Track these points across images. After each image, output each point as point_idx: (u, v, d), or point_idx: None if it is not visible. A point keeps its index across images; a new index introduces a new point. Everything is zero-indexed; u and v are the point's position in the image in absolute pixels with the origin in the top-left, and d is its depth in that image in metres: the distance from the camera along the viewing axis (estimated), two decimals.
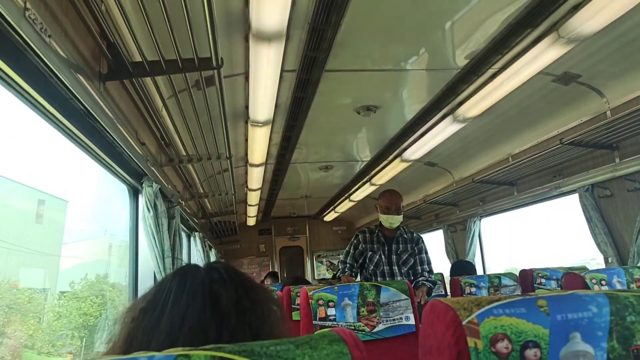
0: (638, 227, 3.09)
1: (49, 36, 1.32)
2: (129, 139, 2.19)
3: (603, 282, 2.07)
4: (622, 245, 3.37)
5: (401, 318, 1.91)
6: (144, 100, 2.51)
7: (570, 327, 0.64)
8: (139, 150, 2.38)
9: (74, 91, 1.53)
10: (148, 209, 2.70)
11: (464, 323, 0.64)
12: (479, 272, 5.30)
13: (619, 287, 2.08)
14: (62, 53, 1.44)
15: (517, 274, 3.12)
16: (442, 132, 4.19)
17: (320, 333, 0.58)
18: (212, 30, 1.77)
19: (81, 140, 1.94)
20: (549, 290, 3.05)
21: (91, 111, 1.70)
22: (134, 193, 2.93)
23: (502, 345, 0.63)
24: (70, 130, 1.82)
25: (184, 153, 3.43)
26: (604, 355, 0.63)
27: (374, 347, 1.85)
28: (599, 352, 0.63)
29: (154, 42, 1.84)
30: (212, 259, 7.37)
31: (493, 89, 3.29)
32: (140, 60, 1.96)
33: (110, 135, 1.99)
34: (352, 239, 3.49)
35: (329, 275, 10.06)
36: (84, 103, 1.63)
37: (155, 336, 0.62)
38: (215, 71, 2.13)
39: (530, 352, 0.63)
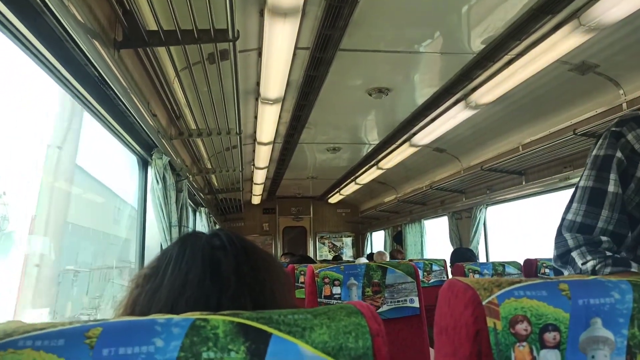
0: None
1: None
2: (141, 109, 2.18)
3: None
4: None
5: (406, 300, 1.92)
6: (157, 71, 2.49)
7: (591, 312, 0.63)
8: (150, 121, 2.37)
9: (90, 56, 1.51)
10: (157, 180, 2.70)
11: (484, 303, 0.63)
12: (482, 260, 5.31)
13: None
14: (79, 17, 1.42)
15: (522, 263, 3.12)
16: (453, 118, 4.15)
17: (337, 305, 0.58)
18: (230, 1, 1.74)
19: (94, 107, 1.94)
20: None
21: (106, 78, 1.69)
22: (144, 164, 2.93)
23: (522, 327, 0.62)
24: (84, 96, 1.81)
25: (194, 127, 3.42)
26: (624, 342, 0.62)
27: None
28: (619, 338, 0.62)
29: (171, 11, 1.82)
30: None
31: (508, 76, 3.24)
32: (156, 29, 1.93)
33: (123, 104, 1.98)
34: (599, 148, 1.33)
35: (330, 257, 10.13)
36: (98, 69, 1.62)
37: (155, 302, 0.62)
38: (231, 44, 2.11)
39: (549, 335, 0.62)
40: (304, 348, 0.51)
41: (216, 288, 0.63)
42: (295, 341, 0.52)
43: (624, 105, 3.25)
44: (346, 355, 0.53)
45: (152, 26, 1.98)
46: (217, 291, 0.63)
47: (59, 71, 1.56)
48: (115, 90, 1.81)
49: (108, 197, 3.41)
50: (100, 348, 0.47)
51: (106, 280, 3.30)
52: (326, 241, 10.73)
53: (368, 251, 10.04)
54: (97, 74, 1.67)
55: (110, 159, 3.03)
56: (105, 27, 1.80)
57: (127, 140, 2.49)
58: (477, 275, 3.01)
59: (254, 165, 6.09)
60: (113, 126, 2.23)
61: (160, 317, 0.51)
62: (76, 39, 1.39)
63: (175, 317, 0.51)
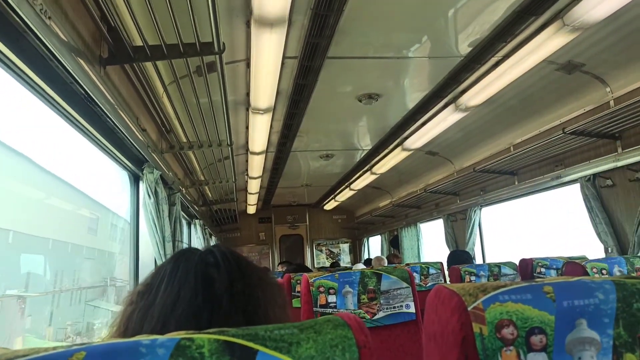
0: (639, 217, 3.08)
1: (49, 18, 1.30)
2: (130, 124, 2.18)
3: (604, 272, 2.07)
4: (623, 235, 3.37)
5: (402, 306, 1.92)
6: (144, 85, 2.49)
7: (576, 313, 0.63)
8: (139, 136, 2.37)
9: (74, 75, 1.51)
10: (149, 195, 2.69)
11: (469, 309, 0.63)
12: (479, 261, 5.31)
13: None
14: (62, 36, 1.42)
15: (517, 263, 3.12)
16: (443, 121, 4.17)
17: (324, 318, 0.58)
18: (214, 15, 1.75)
19: (82, 125, 1.93)
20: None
21: (92, 95, 1.68)
22: (135, 179, 2.93)
23: (508, 331, 0.63)
24: (70, 114, 1.80)
25: (185, 140, 3.42)
26: (609, 342, 0.63)
27: (374, 335, 1.85)
28: (604, 338, 0.63)
29: (155, 26, 1.82)
30: None
31: (496, 78, 3.26)
32: (142, 44, 1.93)
33: (111, 120, 1.98)
34: None
35: (328, 264, 10.11)
36: (84, 87, 1.62)
37: (147, 320, 0.62)
38: (217, 56, 2.11)
39: (535, 338, 0.62)
40: None
41: (207, 306, 0.63)
42: (281, 357, 0.52)
43: (611, 102, 3.29)
44: None
45: (138, 42, 1.98)
46: (208, 309, 0.63)
47: (43, 90, 1.56)
48: (103, 108, 1.80)
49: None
50: None
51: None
52: (323, 248, 10.71)
53: (365, 256, 10.02)
54: (83, 92, 1.67)
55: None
56: (90, 45, 1.80)
57: (117, 156, 2.49)
58: (473, 277, 3.01)
59: (247, 175, 6.08)
60: (102, 143, 2.22)
61: (145, 339, 0.51)
62: (60, 58, 1.39)
63: (160, 337, 0.51)
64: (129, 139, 2.24)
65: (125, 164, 2.67)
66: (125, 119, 2.10)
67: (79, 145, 2.12)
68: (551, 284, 0.65)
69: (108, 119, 1.97)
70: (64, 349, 0.49)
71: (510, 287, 0.64)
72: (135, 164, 2.74)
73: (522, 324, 0.62)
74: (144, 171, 2.75)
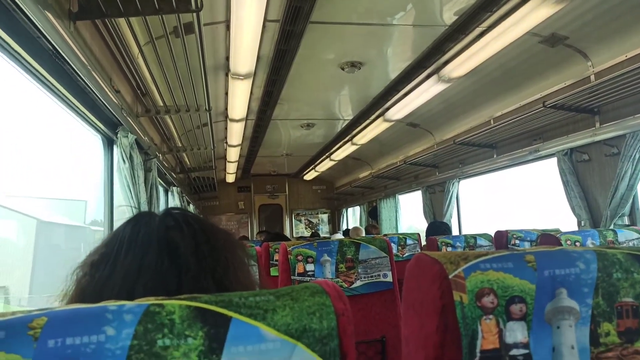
0: (612, 191, 3.15)
1: None
2: (103, 85, 2.09)
3: (577, 244, 2.12)
4: (596, 208, 3.45)
5: (379, 275, 1.93)
6: (118, 45, 2.38)
7: (557, 283, 0.63)
8: (113, 98, 2.28)
9: (42, 28, 1.42)
10: (123, 160, 2.61)
11: (450, 277, 0.62)
12: (455, 232, 5.41)
13: None
14: None
15: (493, 235, 3.18)
16: (426, 92, 4.15)
17: (302, 285, 0.56)
18: None
19: (50, 83, 1.83)
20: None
21: (61, 51, 1.59)
22: (109, 144, 2.83)
23: (488, 300, 0.62)
24: (37, 71, 1.71)
25: (162, 104, 3.32)
26: (588, 311, 0.63)
27: (351, 303, 1.86)
28: (583, 308, 0.62)
29: None
30: None
31: (480, 49, 3.23)
32: None
33: (82, 79, 1.89)
34: None
35: (307, 234, 10.19)
36: (52, 42, 1.53)
37: (107, 290, 0.58)
38: (195, 15, 2.02)
39: (515, 307, 0.62)
40: (265, 331, 0.49)
41: (175, 271, 0.60)
42: (256, 324, 0.50)
43: (592, 77, 3.30)
44: (310, 337, 0.51)
45: None
46: (176, 274, 0.60)
47: (7, 44, 1.46)
48: (73, 65, 1.71)
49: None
50: (45, 339, 0.44)
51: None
52: (302, 218, 10.76)
53: (344, 227, 10.12)
54: (51, 47, 1.57)
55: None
56: None
57: (89, 118, 2.39)
58: (449, 248, 3.06)
59: (226, 143, 5.99)
60: (72, 103, 2.13)
61: (112, 304, 0.48)
62: (25, 10, 1.30)
63: (128, 303, 0.48)
64: (101, 100, 2.15)
65: (98, 126, 2.58)
66: (98, 78, 2.01)
67: (47, 104, 2.02)
68: (533, 253, 0.64)
69: (79, 78, 1.88)
70: (24, 314, 0.46)
71: (492, 256, 0.63)
72: (109, 127, 2.65)
73: (502, 293, 0.61)
74: (118, 135, 2.66)
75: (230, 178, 9.07)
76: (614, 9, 2.80)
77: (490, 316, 0.61)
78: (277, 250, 2.95)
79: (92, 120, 2.46)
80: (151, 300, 0.48)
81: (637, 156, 2.98)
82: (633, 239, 2.12)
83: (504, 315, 0.61)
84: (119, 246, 0.62)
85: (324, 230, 10.73)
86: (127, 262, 0.60)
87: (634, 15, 2.82)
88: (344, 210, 10.51)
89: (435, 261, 0.64)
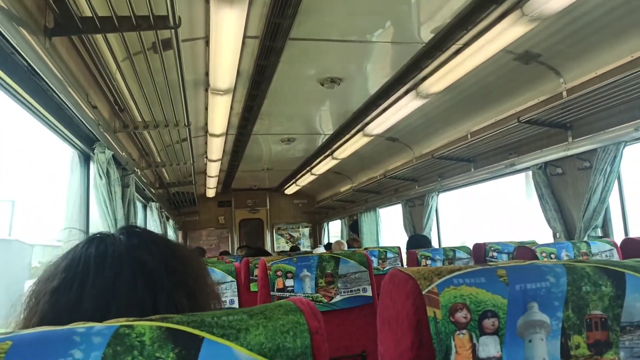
0: (585, 204, 3.23)
1: None
2: (79, 101, 2.06)
3: (552, 256, 2.16)
4: (570, 221, 3.53)
5: (359, 289, 1.93)
6: (95, 61, 2.35)
7: (528, 297, 0.64)
8: (89, 114, 2.25)
9: (15, 45, 1.40)
10: (100, 176, 2.57)
11: (424, 292, 0.63)
12: (435, 245, 5.44)
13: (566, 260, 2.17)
14: (0, 2, 1.30)
15: (471, 248, 3.21)
16: (404, 107, 4.20)
17: (276, 303, 0.56)
18: None
19: (25, 100, 1.80)
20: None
21: (35, 68, 1.57)
22: (85, 159, 2.78)
23: (461, 315, 0.62)
24: (12, 88, 1.67)
25: (140, 119, 3.28)
26: (559, 324, 0.64)
27: (331, 318, 1.86)
28: (554, 321, 0.64)
29: None
30: (170, 230, 7.24)
31: (456, 65, 3.30)
32: (91, 15, 1.82)
33: (58, 95, 1.86)
34: None
35: (288, 248, 10.12)
36: (27, 59, 1.50)
37: (78, 314, 0.54)
38: (173, 32, 2.01)
39: (488, 322, 0.63)
40: (238, 351, 0.49)
41: (149, 290, 0.59)
42: (228, 344, 0.49)
43: (564, 93, 3.40)
44: (284, 356, 0.51)
45: (87, 12, 1.86)
46: (151, 293, 0.59)
47: None
48: (48, 81, 1.69)
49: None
50: None
51: None
52: (284, 232, 10.71)
53: (325, 241, 10.09)
54: (25, 64, 1.55)
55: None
56: (33, 13, 1.67)
57: (64, 134, 2.35)
58: (429, 261, 3.08)
59: (207, 157, 5.95)
60: (48, 119, 2.09)
61: (80, 326, 0.47)
62: None
63: (97, 325, 0.47)
64: (77, 116, 2.12)
65: (75, 142, 2.53)
66: (74, 94, 1.98)
67: (22, 121, 1.98)
68: (505, 268, 0.65)
69: (54, 94, 1.85)
70: None
71: (465, 271, 0.64)
72: (86, 142, 2.60)
73: (475, 308, 0.62)
74: (95, 151, 2.62)
75: (211, 193, 8.99)
76: (584, 28, 2.90)
77: (464, 331, 0.62)
78: (257, 265, 2.92)
79: (67, 136, 2.42)
80: (121, 322, 0.48)
81: (608, 169, 3.07)
82: (605, 251, 2.17)
83: (477, 330, 0.62)
84: (83, 268, 0.59)
85: (305, 244, 10.68)
86: (98, 285, 0.57)
87: (602, 35, 2.93)
88: (325, 224, 10.50)
89: (409, 277, 0.65)
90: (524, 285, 0.64)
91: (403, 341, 0.63)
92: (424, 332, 0.61)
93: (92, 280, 0.58)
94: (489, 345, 0.62)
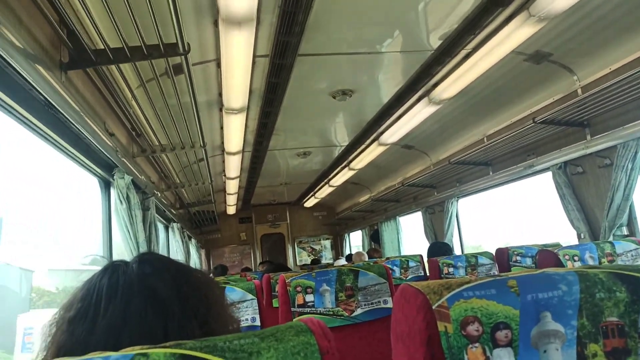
0: (609, 202, 3.16)
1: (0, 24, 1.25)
2: (97, 129, 2.12)
3: (576, 258, 2.11)
4: (594, 220, 3.45)
5: (379, 302, 1.92)
6: (111, 90, 2.43)
7: (540, 306, 0.63)
8: (107, 142, 2.31)
9: (31, 82, 1.46)
10: (120, 201, 2.63)
11: (434, 307, 0.63)
12: (457, 252, 5.38)
13: (590, 262, 2.12)
14: (16, 42, 1.36)
15: (494, 253, 3.16)
16: (418, 114, 4.19)
17: (288, 324, 0.57)
18: (176, 15, 1.71)
19: (44, 132, 1.87)
20: (524, 267, 3.10)
21: (52, 102, 1.63)
22: (106, 185, 2.85)
23: (473, 328, 0.62)
24: (31, 122, 1.74)
25: (157, 143, 3.35)
26: (574, 333, 0.63)
27: (353, 331, 1.86)
28: (569, 330, 0.63)
29: (116, 29, 1.77)
30: (192, 249, 7.31)
31: (467, 70, 3.29)
32: (103, 47, 1.88)
33: (76, 126, 1.92)
34: None
35: (309, 261, 10.11)
36: (44, 94, 1.56)
37: (91, 345, 0.56)
38: (183, 57, 2.07)
39: (501, 334, 0.62)
40: None
41: (160, 318, 0.60)
42: None
43: (579, 91, 3.35)
44: None
45: (100, 45, 1.93)
46: (162, 321, 0.59)
47: (0, 99, 1.50)
48: (65, 114, 1.75)
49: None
50: None
51: None
52: (305, 245, 10.70)
53: (347, 252, 10.06)
54: (43, 99, 1.61)
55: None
56: (48, 50, 1.74)
57: (84, 162, 2.42)
58: (451, 269, 3.04)
59: (225, 175, 6.02)
60: (67, 150, 2.15)
61: (96, 356, 0.48)
62: (14, 65, 1.33)
63: (113, 354, 0.49)
64: (96, 145, 2.18)
65: (94, 170, 2.60)
66: (91, 124, 2.04)
67: (43, 153, 2.04)
68: (515, 278, 0.65)
69: (72, 125, 1.91)
70: None
71: (475, 283, 0.64)
72: (105, 169, 2.67)
73: (487, 320, 0.62)
74: (115, 177, 2.68)
75: (231, 210, 9.06)
76: (594, 24, 2.86)
77: (476, 344, 0.61)
78: (277, 281, 2.93)
79: (87, 164, 2.49)
80: (136, 350, 0.49)
81: (629, 166, 3.00)
82: (631, 250, 2.11)
83: (489, 342, 0.61)
84: (97, 299, 0.60)
85: (327, 256, 10.65)
86: (110, 315, 0.59)
87: (615, 30, 2.89)
88: (346, 235, 10.47)
89: (419, 292, 0.65)
90: (536, 295, 0.63)
91: (416, 356, 0.63)
92: (436, 347, 0.61)
93: (103, 311, 0.59)
94: (503, 358, 0.61)
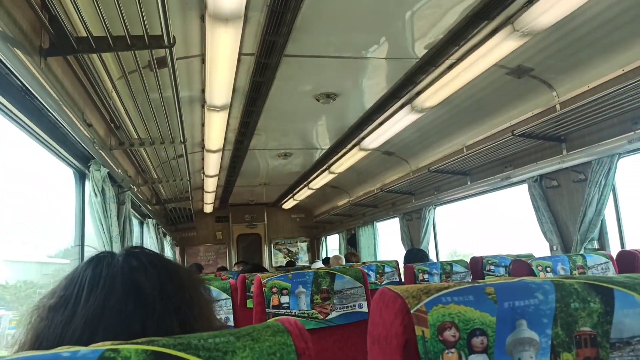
0: (581, 216, 3.23)
1: None
2: (74, 119, 2.06)
3: (548, 269, 2.15)
4: (567, 233, 3.53)
5: (354, 305, 1.92)
6: (91, 79, 2.37)
7: (517, 314, 0.64)
8: (85, 132, 2.25)
9: (9, 66, 1.41)
10: (95, 193, 2.57)
11: (412, 311, 0.62)
12: (432, 258, 5.43)
13: (562, 273, 2.16)
14: None
15: (468, 261, 3.20)
16: (400, 121, 4.23)
17: (265, 324, 0.56)
18: (163, 6, 1.68)
19: (20, 119, 1.81)
20: (497, 277, 3.15)
21: (30, 88, 1.58)
22: (81, 177, 2.78)
23: (450, 334, 0.62)
24: (7, 108, 1.68)
25: (136, 136, 3.29)
26: (548, 341, 0.63)
27: (327, 334, 1.85)
28: (543, 338, 0.63)
29: (100, 17, 1.73)
30: (167, 246, 7.21)
31: (450, 80, 3.33)
32: (85, 35, 1.84)
33: (53, 115, 1.87)
34: None
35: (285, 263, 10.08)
36: (21, 79, 1.51)
37: (67, 335, 0.55)
38: (167, 50, 2.03)
39: (477, 340, 0.62)
40: None
41: (140, 313, 0.59)
42: None
43: (557, 106, 3.43)
44: None
45: (82, 32, 1.88)
46: (141, 316, 0.58)
47: None
48: (42, 101, 1.70)
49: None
50: None
51: None
52: (281, 247, 10.67)
53: (323, 255, 10.05)
54: (20, 84, 1.56)
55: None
56: (28, 34, 1.69)
57: (60, 152, 2.35)
58: (426, 275, 3.06)
59: (203, 173, 5.96)
60: (43, 138, 2.09)
61: (65, 351, 0.47)
62: None
63: (82, 349, 0.47)
64: (72, 135, 2.13)
65: (70, 160, 2.53)
66: (69, 113, 1.99)
67: (16, 140, 1.98)
68: (493, 285, 0.65)
69: (49, 113, 1.86)
70: None
71: (453, 289, 0.64)
72: (81, 161, 2.61)
73: (463, 326, 0.62)
74: (90, 168, 2.62)
75: (208, 208, 8.97)
76: (575, 43, 2.94)
77: (452, 350, 0.62)
78: (253, 282, 2.90)
79: (63, 155, 2.42)
80: (107, 345, 0.47)
81: (602, 182, 3.08)
82: (601, 264, 2.17)
83: (465, 348, 0.62)
84: (79, 289, 0.60)
85: (303, 259, 10.63)
86: (89, 305, 0.58)
87: (593, 49, 2.97)
88: (323, 238, 10.47)
89: (398, 296, 0.64)
90: (513, 302, 0.64)
91: None
92: (413, 352, 0.61)
93: (84, 301, 0.58)
94: None
